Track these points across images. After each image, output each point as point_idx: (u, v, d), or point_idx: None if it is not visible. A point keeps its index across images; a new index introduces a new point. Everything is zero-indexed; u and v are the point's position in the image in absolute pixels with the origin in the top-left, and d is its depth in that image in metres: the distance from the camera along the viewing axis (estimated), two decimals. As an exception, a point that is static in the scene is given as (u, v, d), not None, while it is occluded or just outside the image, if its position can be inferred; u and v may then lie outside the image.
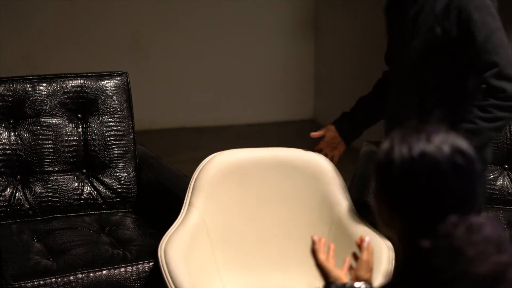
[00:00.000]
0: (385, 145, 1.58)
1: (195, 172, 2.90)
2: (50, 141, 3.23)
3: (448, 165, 1.51)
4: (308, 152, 2.99)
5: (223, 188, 2.91)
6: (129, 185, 3.30)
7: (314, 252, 1.95)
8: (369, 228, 2.83)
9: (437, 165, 1.51)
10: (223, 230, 2.91)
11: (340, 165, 4.31)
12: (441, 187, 1.52)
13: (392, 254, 2.71)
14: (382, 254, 2.69)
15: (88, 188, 3.27)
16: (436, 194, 1.52)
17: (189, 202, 2.86)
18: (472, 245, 1.49)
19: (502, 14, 4.02)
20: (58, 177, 3.24)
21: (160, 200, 3.25)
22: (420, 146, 1.53)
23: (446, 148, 1.52)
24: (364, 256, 1.91)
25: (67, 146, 3.25)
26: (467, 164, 1.52)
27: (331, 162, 2.99)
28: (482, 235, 1.50)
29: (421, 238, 1.51)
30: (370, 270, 1.90)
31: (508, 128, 3.39)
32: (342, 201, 2.90)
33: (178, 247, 2.69)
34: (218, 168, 2.90)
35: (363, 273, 1.89)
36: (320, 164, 2.95)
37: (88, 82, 3.29)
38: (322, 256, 1.93)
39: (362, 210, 2.98)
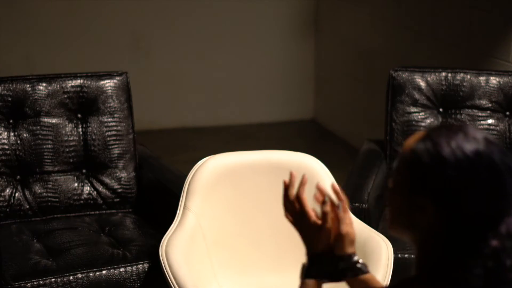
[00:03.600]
0: (424, 143, 1.53)
1: (188, 175, 2.92)
2: (49, 141, 3.23)
3: (502, 164, 1.50)
4: (299, 154, 3.00)
5: (217, 191, 2.91)
6: (129, 185, 3.30)
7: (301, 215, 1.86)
8: (363, 225, 2.84)
9: (494, 164, 1.49)
10: (218, 233, 2.92)
11: (340, 165, 4.32)
12: (499, 186, 1.49)
13: (391, 249, 2.72)
14: (381, 251, 2.70)
15: (88, 188, 3.27)
16: (495, 194, 1.49)
17: (184, 205, 2.86)
18: None
19: (502, 14, 4.03)
20: (58, 177, 3.24)
21: (160, 200, 3.25)
22: (472, 145, 1.50)
23: (494, 148, 1.51)
24: (344, 229, 1.80)
25: (66, 146, 3.25)
26: None
27: (322, 163, 2.99)
28: None
29: (478, 239, 1.49)
30: (352, 242, 1.81)
31: (507, 127, 3.39)
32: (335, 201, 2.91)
33: (178, 249, 2.70)
34: (211, 171, 2.91)
35: (347, 248, 1.80)
36: (311, 165, 2.96)
37: (88, 82, 3.29)
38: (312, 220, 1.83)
39: (355, 208, 2.99)
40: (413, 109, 3.43)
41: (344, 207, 1.83)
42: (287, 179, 1.82)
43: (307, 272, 1.82)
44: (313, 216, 1.84)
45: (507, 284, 1.47)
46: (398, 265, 2.81)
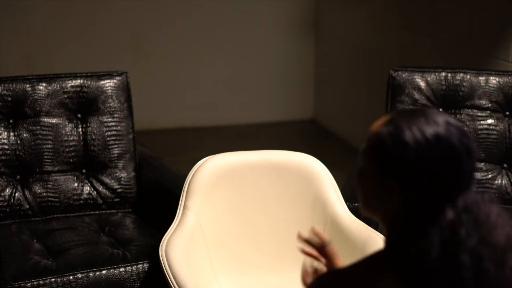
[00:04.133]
0: (388, 127, 1.60)
1: (188, 175, 2.92)
2: (49, 141, 3.23)
3: (460, 146, 1.58)
4: (299, 154, 3.01)
5: (217, 191, 2.91)
6: (129, 185, 3.30)
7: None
8: (363, 225, 2.84)
9: (452, 146, 1.57)
10: (218, 233, 2.92)
11: (340, 165, 4.32)
12: (457, 166, 1.58)
13: None
14: None
15: (88, 188, 3.28)
16: (453, 173, 1.57)
17: (184, 205, 2.87)
18: (491, 217, 1.57)
19: (502, 14, 4.03)
20: (58, 177, 3.24)
21: (160, 200, 3.25)
22: (433, 128, 1.58)
23: (454, 130, 1.59)
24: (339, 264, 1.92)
25: (66, 146, 3.25)
26: (471, 143, 1.60)
27: (322, 163, 3.00)
28: (496, 209, 1.60)
29: (439, 210, 1.56)
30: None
31: (507, 127, 3.39)
32: (335, 201, 2.92)
33: (178, 249, 2.70)
34: (211, 171, 2.91)
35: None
36: (311, 165, 2.96)
37: (87, 82, 3.29)
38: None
39: (355, 208, 2.99)
40: (413, 109, 3.43)
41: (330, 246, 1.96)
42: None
43: None
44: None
45: (462, 252, 1.54)
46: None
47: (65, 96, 3.27)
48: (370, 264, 1.64)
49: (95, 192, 3.28)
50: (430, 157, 1.57)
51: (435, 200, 1.57)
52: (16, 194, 3.20)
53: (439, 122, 1.59)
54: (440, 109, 3.45)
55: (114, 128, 3.30)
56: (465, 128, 1.61)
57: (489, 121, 3.41)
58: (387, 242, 1.65)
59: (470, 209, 1.57)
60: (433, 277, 1.54)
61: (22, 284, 2.74)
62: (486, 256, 1.54)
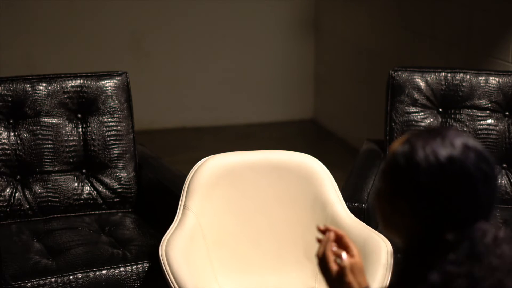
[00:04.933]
0: (403, 147, 1.57)
1: (188, 175, 2.92)
2: (49, 141, 3.23)
3: (476, 171, 1.53)
4: (299, 154, 3.01)
5: (217, 191, 2.92)
6: (129, 185, 3.30)
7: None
8: (363, 225, 2.84)
9: (467, 171, 1.52)
10: (218, 232, 2.92)
11: (340, 165, 4.32)
12: (470, 193, 1.53)
13: (390, 249, 2.72)
14: (381, 251, 2.70)
15: (88, 188, 3.28)
16: (465, 200, 1.53)
17: (184, 205, 2.87)
18: (496, 256, 1.52)
19: (502, 14, 4.03)
20: (58, 177, 3.25)
21: (160, 200, 3.25)
22: (447, 151, 1.54)
23: (471, 154, 1.54)
24: (354, 260, 1.80)
25: (66, 146, 3.25)
26: (491, 170, 1.55)
27: (322, 164, 3.00)
28: (505, 250, 1.53)
29: (443, 233, 1.53)
30: (362, 271, 1.82)
31: (507, 127, 3.39)
32: (334, 201, 2.92)
33: (178, 249, 2.70)
34: (211, 171, 2.91)
35: (360, 279, 1.80)
36: (311, 165, 2.96)
37: (88, 82, 3.29)
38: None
39: (355, 208, 2.99)
40: (412, 109, 3.43)
41: (347, 238, 1.84)
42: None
43: None
44: (332, 261, 1.84)
45: (432, 272, 1.51)
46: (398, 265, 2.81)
47: (65, 96, 3.27)
48: None
49: (95, 192, 3.28)
50: (441, 180, 1.52)
51: (438, 224, 1.54)
52: (16, 194, 3.20)
53: (455, 144, 1.54)
54: (440, 109, 3.45)
55: (114, 128, 3.30)
56: (488, 154, 1.57)
57: (489, 121, 3.41)
58: (403, 268, 1.61)
59: (479, 242, 1.52)
60: None
61: (22, 284, 2.74)
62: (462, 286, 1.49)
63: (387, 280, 2.69)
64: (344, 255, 1.76)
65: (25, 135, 3.22)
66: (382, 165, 1.65)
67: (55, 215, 3.23)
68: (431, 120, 3.43)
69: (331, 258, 1.76)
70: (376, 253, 2.70)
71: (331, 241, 1.78)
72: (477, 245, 1.52)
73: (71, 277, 2.80)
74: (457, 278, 1.50)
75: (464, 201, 1.53)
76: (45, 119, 3.24)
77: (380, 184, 1.63)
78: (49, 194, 3.22)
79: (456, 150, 1.54)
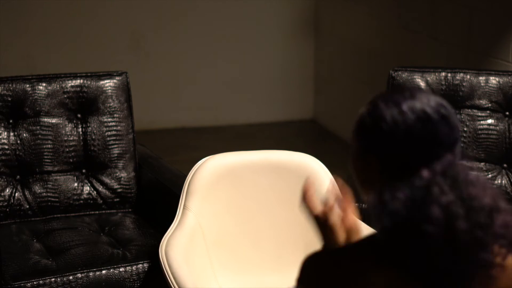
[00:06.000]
0: (367, 106, 1.68)
1: (188, 175, 2.92)
2: (49, 141, 3.23)
3: (436, 115, 1.62)
4: (299, 154, 3.01)
5: (217, 191, 2.91)
6: (129, 185, 3.30)
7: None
8: (363, 225, 2.83)
9: (427, 115, 1.62)
10: (218, 233, 2.92)
11: (340, 165, 4.31)
12: (433, 133, 1.62)
13: None
14: None
15: (88, 188, 3.28)
16: (429, 140, 1.62)
17: (184, 205, 2.87)
18: (471, 179, 1.60)
19: (502, 14, 4.03)
20: (58, 177, 3.24)
21: (160, 200, 3.25)
22: (408, 102, 1.64)
23: (432, 101, 1.65)
24: (347, 222, 1.88)
25: (66, 146, 3.25)
26: (451, 114, 1.65)
27: (322, 163, 3.00)
28: (474, 174, 1.62)
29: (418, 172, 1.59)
30: (358, 232, 1.89)
31: (507, 127, 3.39)
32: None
33: (178, 249, 2.70)
34: (211, 171, 2.91)
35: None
36: (311, 165, 2.96)
37: (87, 82, 3.29)
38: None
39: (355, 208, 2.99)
40: (413, 109, 3.43)
41: (347, 199, 1.91)
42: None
43: None
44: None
45: (432, 206, 1.55)
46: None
47: (65, 96, 3.27)
48: (362, 251, 1.66)
49: (95, 192, 3.28)
50: (404, 126, 1.62)
51: (410, 165, 1.61)
52: (16, 194, 3.20)
53: (416, 96, 1.65)
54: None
55: (114, 128, 3.30)
56: (444, 100, 1.68)
57: (489, 121, 3.41)
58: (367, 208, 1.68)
59: (447, 172, 1.59)
60: (402, 234, 1.55)
61: (22, 284, 2.74)
62: (461, 215, 1.55)
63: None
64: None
65: (25, 135, 3.22)
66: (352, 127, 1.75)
67: (55, 215, 3.23)
68: (431, 120, 3.43)
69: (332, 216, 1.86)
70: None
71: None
72: (456, 176, 1.59)
73: (71, 277, 2.80)
74: (453, 205, 1.55)
75: (427, 142, 1.62)
76: (45, 119, 3.24)
77: (352, 144, 1.72)
78: (49, 194, 3.22)
79: (416, 100, 1.64)
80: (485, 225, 1.55)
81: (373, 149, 1.66)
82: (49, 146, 3.23)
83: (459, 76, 3.44)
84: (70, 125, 3.27)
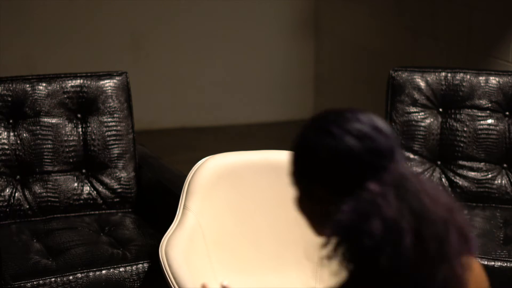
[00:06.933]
0: (292, 145, 1.66)
1: (188, 175, 2.92)
2: (49, 141, 3.23)
3: (367, 128, 1.59)
4: None
5: (217, 191, 2.91)
6: (129, 185, 3.30)
7: None
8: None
9: (359, 131, 1.59)
10: (218, 233, 2.92)
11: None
12: (371, 147, 1.57)
13: None
14: None
15: (88, 188, 3.28)
16: (369, 155, 1.57)
17: (184, 205, 2.87)
18: (424, 187, 1.54)
19: (502, 14, 4.03)
20: (58, 177, 3.24)
21: (160, 200, 3.25)
22: (335, 125, 1.63)
23: (359, 117, 1.63)
24: None
25: (66, 146, 3.25)
26: (381, 122, 1.62)
27: None
28: (428, 182, 1.57)
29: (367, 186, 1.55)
30: None
31: (507, 127, 3.39)
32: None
33: (178, 249, 2.70)
34: (211, 171, 2.91)
35: None
36: (312, 165, 2.96)
37: (87, 82, 3.29)
38: None
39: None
40: (412, 109, 3.43)
41: None
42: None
43: None
44: None
45: (373, 219, 1.49)
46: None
47: (65, 96, 3.27)
48: None
49: (95, 192, 3.28)
50: (340, 149, 1.57)
51: (357, 183, 1.56)
52: (16, 194, 3.20)
53: (340, 117, 1.64)
54: (440, 109, 3.45)
55: (114, 128, 3.30)
56: (371, 113, 1.66)
57: (489, 121, 3.41)
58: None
59: (398, 182, 1.54)
60: (347, 245, 1.51)
61: (22, 284, 2.74)
62: (407, 229, 1.48)
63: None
64: None
65: (25, 135, 3.22)
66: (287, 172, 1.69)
67: (55, 215, 3.23)
68: (431, 120, 3.43)
69: None
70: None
71: None
72: (406, 182, 1.54)
73: (71, 277, 2.80)
74: (399, 219, 1.49)
75: (368, 156, 1.56)
76: (45, 119, 3.24)
77: (294, 190, 1.66)
78: (49, 194, 3.22)
79: (342, 120, 1.63)
80: (440, 238, 1.49)
81: (316, 180, 1.60)
82: (49, 146, 3.23)
83: (459, 76, 3.44)
84: (70, 125, 3.27)
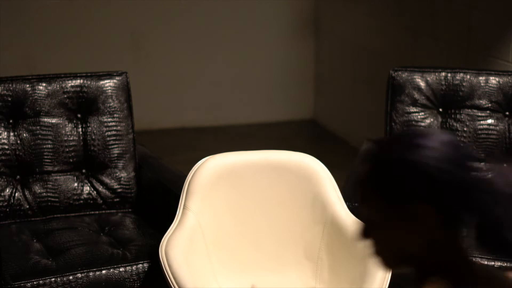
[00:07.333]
0: (373, 162, 1.53)
1: (188, 175, 2.92)
2: (49, 141, 3.23)
3: (452, 137, 1.50)
4: (299, 154, 3.01)
5: (217, 191, 2.92)
6: (129, 185, 3.30)
7: None
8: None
9: (450, 141, 1.49)
10: (218, 232, 2.92)
11: (340, 165, 4.32)
12: (465, 155, 1.49)
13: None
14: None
15: (88, 188, 3.28)
16: (465, 161, 1.49)
17: (184, 205, 2.87)
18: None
19: (502, 14, 4.03)
20: (58, 177, 3.24)
21: (160, 200, 3.25)
22: (421, 139, 1.49)
23: (435, 133, 1.51)
24: None
25: (66, 146, 3.25)
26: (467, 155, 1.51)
27: (322, 164, 3.00)
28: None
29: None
30: None
31: (507, 127, 3.39)
32: (334, 201, 2.92)
33: (178, 249, 2.70)
34: (211, 171, 2.91)
35: None
36: (311, 165, 2.96)
37: (87, 82, 3.29)
38: None
39: (355, 208, 2.99)
40: (412, 109, 3.43)
41: None
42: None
43: None
44: None
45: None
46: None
47: (65, 96, 3.27)
48: None
49: (95, 192, 3.28)
50: (444, 159, 1.45)
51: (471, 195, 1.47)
52: (16, 194, 3.20)
53: (418, 134, 1.51)
54: (440, 109, 3.45)
55: (114, 128, 3.30)
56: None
57: (489, 121, 3.41)
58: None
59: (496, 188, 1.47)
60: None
61: (22, 284, 2.74)
62: None
63: (387, 282, 2.69)
64: None
65: (25, 135, 3.22)
66: (357, 196, 1.53)
67: (55, 215, 3.23)
68: (431, 120, 3.43)
69: None
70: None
71: None
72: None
73: (71, 277, 2.80)
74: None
75: (465, 162, 1.48)
76: (45, 119, 3.24)
77: (369, 216, 1.50)
78: (49, 194, 3.22)
79: (421, 136, 1.49)
80: None
81: (417, 197, 1.45)
82: (49, 146, 3.23)
83: (459, 76, 3.44)
84: (70, 125, 3.27)
